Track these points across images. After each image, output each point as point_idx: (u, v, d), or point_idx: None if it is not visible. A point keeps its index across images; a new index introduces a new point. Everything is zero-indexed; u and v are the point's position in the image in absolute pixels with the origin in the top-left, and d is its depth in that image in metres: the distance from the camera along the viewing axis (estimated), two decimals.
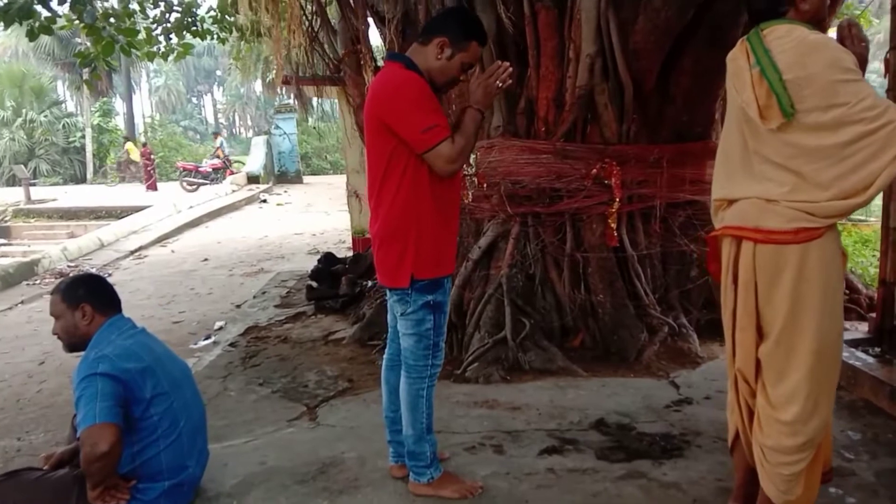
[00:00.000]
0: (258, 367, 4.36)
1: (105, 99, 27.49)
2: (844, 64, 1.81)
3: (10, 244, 15.68)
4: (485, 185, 4.01)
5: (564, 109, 3.96)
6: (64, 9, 6.39)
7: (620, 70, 3.75)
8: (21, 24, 6.03)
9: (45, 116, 25.13)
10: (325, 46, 6.10)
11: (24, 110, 25.02)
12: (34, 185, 20.49)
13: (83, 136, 25.47)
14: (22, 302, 8.40)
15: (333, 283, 5.79)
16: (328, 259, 6.30)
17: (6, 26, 6.14)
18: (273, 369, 4.27)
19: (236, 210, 16.29)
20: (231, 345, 4.86)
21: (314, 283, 5.85)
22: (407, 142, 2.24)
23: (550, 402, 3.43)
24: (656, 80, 3.92)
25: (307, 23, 6.24)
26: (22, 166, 21.24)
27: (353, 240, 7.71)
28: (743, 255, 2.01)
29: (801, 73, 1.83)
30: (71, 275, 6.18)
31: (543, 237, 4.11)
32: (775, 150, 1.93)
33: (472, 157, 3.95)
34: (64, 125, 25.77)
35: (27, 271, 9.55)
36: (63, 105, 29.28)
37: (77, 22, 7.07)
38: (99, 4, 8.47)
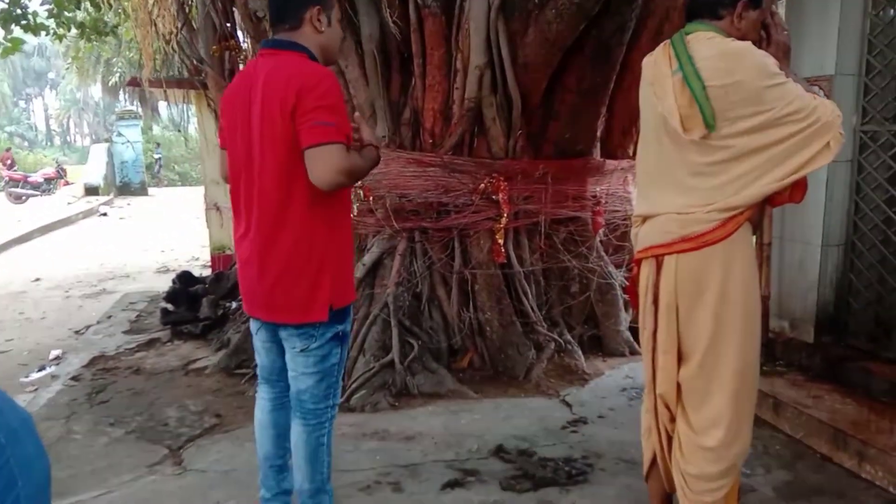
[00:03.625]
0: (108, 403, 3.79)
1: None
2: (770, 69, 1.79)
3: None
4: (370, 199, 3.76)
5: (452, 122, 3.81)
6: None
7: (510, 83, 3.67)
8: None
9: None
10: (184, 46, 5.59)
11: None
12: None
13: None
14: None
15: (192, 305, 5.25)
16: (185, 278, 5.72)
17: None
18: (126, 406, 3.73)
19: (72, 224, 14.74)
20: (73, 378, 4.21)
21: (170, 306, 5.28)
22: (297, 132, 1.89)
23: (445, 430, 3.24)
24: (542, 95, 3.88)
25: (164, 19, 5.70)
26: None
27: (213, 257, 7.11)
28: (664, 275, 1.93)
29: (727, 80, 1.78)
30: None
31: (431, 253, 3.93)
32: (698, 157, 1.87)
33: None
34: None
35: None
36: None
37: None
38: None
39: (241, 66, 4.84)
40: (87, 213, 15.95)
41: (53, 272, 9.39)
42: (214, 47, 4.40)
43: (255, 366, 3.94)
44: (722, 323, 1.89)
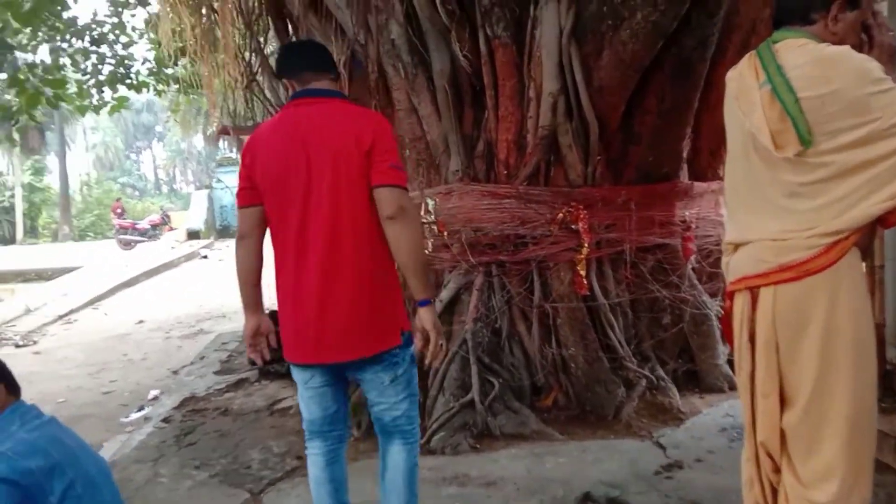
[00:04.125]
0: (195, 445, 3.85)
1: (37, 157, 26.42)
2: (873, 74, 1.58)
3: None
4: (445, 234, 3.69)
5: (526, 151, 3.71)
6: None
7: (585, 108, 3.53)
8: None
9: None
10: (266, 91, 5.78)
11: None
12: None
13: (13, 196, 24.30)
14: None
15: (278, 344, 5.31)
16: (271, 318, 5.82)
17: None
18: (212, 448, 3.77)
19: (175, 267, 15.55)
20: (164, 420, 4.32)
21: None
22: (372, 170, 2.06)
23: (528, 474, 3.06)
24: (620, 118, 3.71)
25: (244, 65, 5.92)
26: None
27: None
28: (761, 309, 1.73)
29: (824, 90, 1.59)
30: None
31: (509, 287, 3.80)
32: (793, 177, 1.67)
33: (431, 203, 3.65)
34: None
35: None
36: None
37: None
38: (26, 57, 7.96)
39: None
40: (189, 257, 16.81)
41: (156, 314, 9.88)
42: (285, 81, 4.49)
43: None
44: (829, 360, 1.66)
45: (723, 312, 2.06)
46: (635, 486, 2.86)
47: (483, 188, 3.79)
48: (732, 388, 3.87)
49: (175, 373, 6.57)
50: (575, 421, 3.69)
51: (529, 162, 3.68)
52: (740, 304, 1.79)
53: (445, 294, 3.83)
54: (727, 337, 1.93)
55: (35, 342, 8.83)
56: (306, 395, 2.22)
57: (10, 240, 24.02)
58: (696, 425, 3.55)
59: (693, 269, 4.21)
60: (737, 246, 1.84)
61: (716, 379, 4.00)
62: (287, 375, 5.03)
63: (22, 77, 6.43)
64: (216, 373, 5.40)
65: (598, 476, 2.97)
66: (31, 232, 24.18)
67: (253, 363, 5.28)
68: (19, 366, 7.48)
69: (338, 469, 2.25)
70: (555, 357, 3.77)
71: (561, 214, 3.67)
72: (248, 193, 2.15)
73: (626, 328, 3.95)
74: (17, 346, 8.69)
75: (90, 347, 8.09)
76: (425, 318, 2.09)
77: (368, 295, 2.07)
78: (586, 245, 3.69)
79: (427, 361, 2.15)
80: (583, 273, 3.72)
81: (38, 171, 25.94)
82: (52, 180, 27.89)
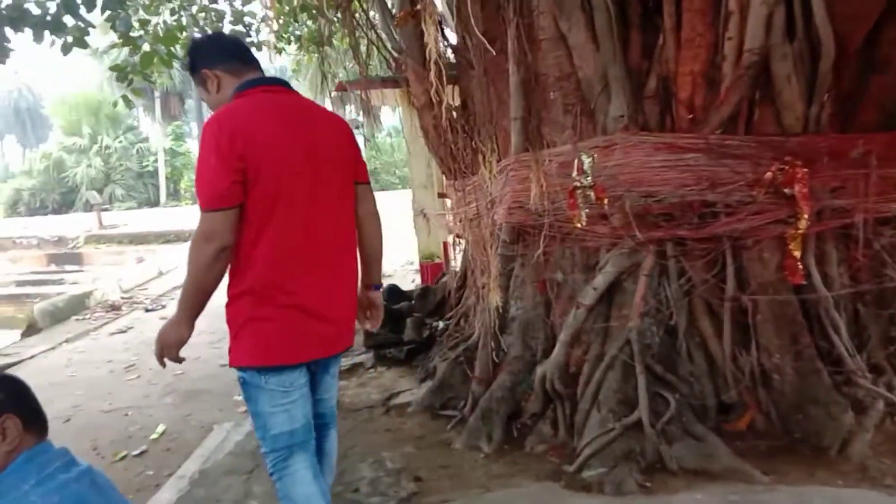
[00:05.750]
0: None
1: (177, 123, 27.76)
2: None
3: (81, 270, 15.55)
4: (604, 201, 2.77)
5: (721, 88, 2.70)
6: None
7: (818, 20, 2.47)
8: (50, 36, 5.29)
9: (120, 142, 25.46)
10: (387, 41, 5.06)
11: (100, 137, 25.45)
12: (108, 210, 20.56)
13: (156, 161, 25.71)
14: (66, 341, 7.72)
15: (396, 325, 4.66)
16: (391, 293, 5.19)
17: (16, 32, 5.38)
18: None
19: None
20: None
21: None
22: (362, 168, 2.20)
23: None
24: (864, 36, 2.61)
25: (363, 14, 5.24)
26: (95, 192, 21.44)
27: (421, 266, 6.59)
28: None
29: None
30: None
31: (690, 273, 2.85)
32: None
33: (587, 160, 2.74)
34: (138, 150, 26.12)
35: (77, 305, 8.92)
36: (138, 130, 29.83)
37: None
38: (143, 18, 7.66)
39: (440, 49, 4.14)
40: None
41: None
42: (400, 14, 3.70)
43: (462, 406, 3.05)
44: None
45: None
46: None
47: (657, 139, 2.84)
48: None
49: None
50: (781, 454, 2.72)
51: (726, 102, 2.68)
52: None
53: (601, 280, 2.95)
54: None
55: (164, 306, 8.86)
56: (291, 398, 2.02)
57: (154, 202, 25.49)
58: None
59: None
60: None
61: None
62: (404, 362, 4.39)
63: (134, 35, 6.09)
64: None
65: None
66: (174, 195, 25.52)
67: (369, 346, 4.71)
68: (147, 331, 7.45)
69: (322, 482, 2.13)
70: (752, 367, 2.80)
71: (769, 174, 2.65)
72: (239, 189, 1.86)
73: (856, 330, 2.89)
74: (147, 310, 8.75)
75: (213, 314, 7.91)
76: (378, 300, 2.30)
77: (356, 285, 2.19)
78: (805, 216, 2.65)
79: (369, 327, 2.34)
80: (797, 254, 2.70)
81: (179, 137, 27.24)
82: (192, 145, 29.33)
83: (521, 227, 3.25)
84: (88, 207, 22.24)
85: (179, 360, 2.03)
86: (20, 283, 15.22)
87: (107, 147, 25.27)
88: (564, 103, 3.13)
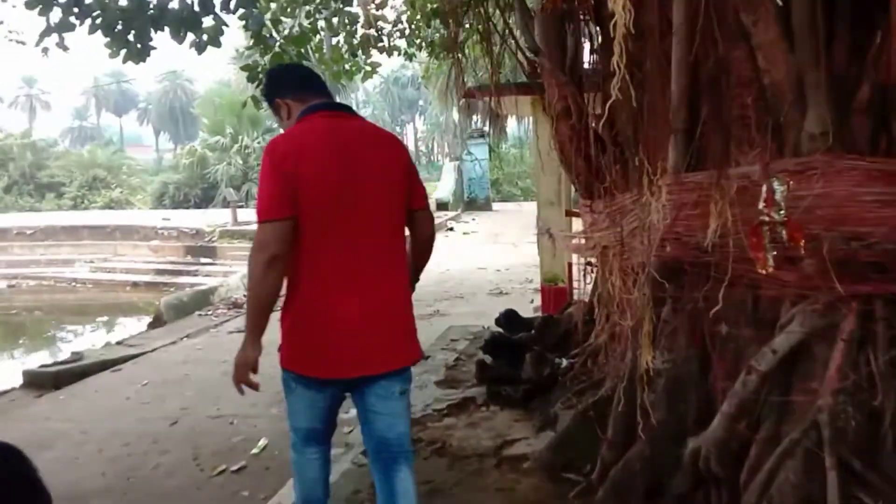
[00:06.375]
0: None
1: None
2: None
3: (214, 263, 16.29)
4: (802, 243, 2.15)
5: None
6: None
7: None
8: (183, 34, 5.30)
9: (259, 143, 26.67)
10: (521, 42, 4.61)
11: (240, 137, 26.81)
12: (243, 207, 21.53)
13: None
14: (187, 336, 7.89)
15: (513, 357, 4.18)
16: (509, 320, 4.71)
17: (174, 35, 5.41)
18: None
19: None
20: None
21: (487, 358, 4.29)
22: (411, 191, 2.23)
23: None
24: None
25: (497, 13, 4.83)
26: (232, 190, 22.52)
27: (543, 289, 6.05)
28: None
29: None
30: None
31: None
32: None
33: (779, 188, 2.13)
34: None
35: (202, 300, 9.18)
36: (276, 132, 31.21)
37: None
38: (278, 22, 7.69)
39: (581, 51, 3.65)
40: (437, 228, 16.64)
41: None
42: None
43: (589, 471, 2.95)
44: None
45: None
46: None
47: (870, 165, 2.18)
48: None
49: None
50: None
51: None
52: None
53: (782, 341, 2.31)
54: None
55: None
56: (315, 406, 2.20)
57: None
58: None
59: None
60: None
61: None
62: (521, 404, 3.89)
63: (265, 34, 6.02)
64: (438, 383, 4.44)
65: None
66: None
67: (482, 379, 4.27)
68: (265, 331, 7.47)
69: (327, 471, 2.36)
70: None
71: None
72: (289, 203, 1.99)
73: None
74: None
75: None
76: None
77: (406, 307, 2.20)
78: None
79: None
80: None
81: None
82: None
83: (677, 263, 2.67)
84: (226, 203, 23.43)
85: (252, 385, 2.08)
86: (159, 272, 16.18)
87: (246, 147, 26.58)
88: (742, 115, 2.52)
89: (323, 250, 2.03)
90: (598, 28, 3.65)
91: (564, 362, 3.99)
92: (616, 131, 3.35)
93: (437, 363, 4.87)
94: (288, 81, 2.29)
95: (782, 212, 2.06)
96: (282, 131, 2.29)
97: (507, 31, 4.66)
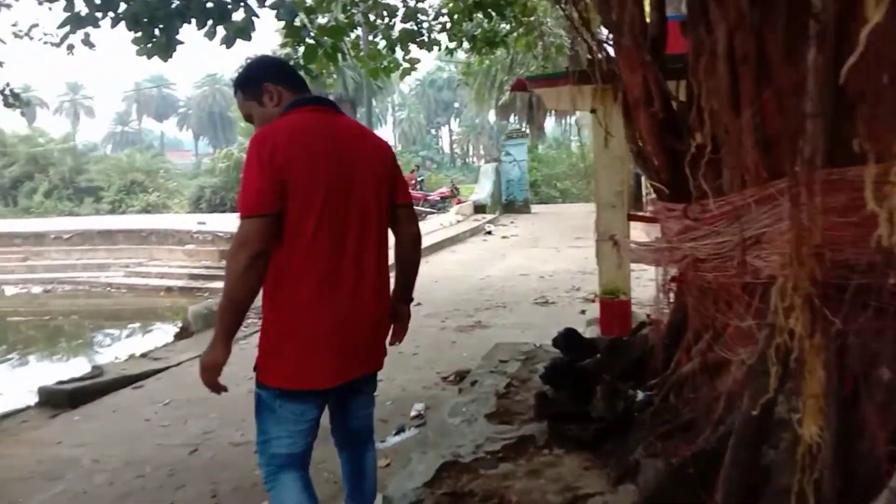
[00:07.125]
0: None
1: None
2: None
3: None
4: None
5: None
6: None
7: None
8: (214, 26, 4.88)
9: None
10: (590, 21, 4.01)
11: None
12: None
13: None
14: None
15: (579, 388, 3.55)
16: (569, 341, 4.07)
17: (200, 28, 4.98)
18: None
19: (460, 242, 14.92)
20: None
21: (547, 389, 3.67)
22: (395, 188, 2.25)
23: None
24: None
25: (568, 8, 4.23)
26: None
27: (602, 303, 5.39)
28: None
29: None
30: None
31: None
32: None
33: None
34: None
35: None
36: None
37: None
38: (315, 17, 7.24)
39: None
40: (474, 232, 16.13)
41: (434, 296, 8.97)
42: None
43: None
44: None
45: None
46: None
47: None
48: None
49: (445, 379, 5.45)
50: None
51: None
52: None
53: None
54: None
55: None
56: (300, 427, 2.10)
57: None
58: None
59: None
60: None
61: None
62: (591, 446, 3.27)
63: (298, 25, 5.55)
64: (489, 416, 3.83)
65: None
66: None
67: (544, 415, 3.67)
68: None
69: (311, 489, 2.21)
70: None
71: None
72: (276, 198, 1.93)
73: None
74: None
75: None
76: (406, 313, 2.46)
77: (388, 303, 2.25)
78: None
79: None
80: None
81: None
82: None
83: (815, 285, 2.04)
84: None
85: (217, 389, 2.01)
86: (193, 277, 15.93)
87: None
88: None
89: (314, 248, 1.98)
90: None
91: (640, 395, 3.36)
92: (704, 123, 2.72)
93: (487, 390, 4.25)
94: (281, 69, 2.27)
95: None
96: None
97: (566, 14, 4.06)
